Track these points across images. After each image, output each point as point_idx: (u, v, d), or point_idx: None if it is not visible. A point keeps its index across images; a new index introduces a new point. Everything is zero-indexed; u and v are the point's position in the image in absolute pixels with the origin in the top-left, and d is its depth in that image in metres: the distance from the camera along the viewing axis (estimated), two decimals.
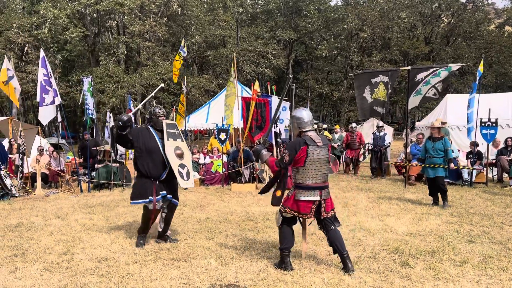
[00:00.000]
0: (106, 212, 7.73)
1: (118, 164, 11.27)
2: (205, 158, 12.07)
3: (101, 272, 4.48)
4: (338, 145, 13.92)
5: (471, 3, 36.24)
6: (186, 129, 13.84)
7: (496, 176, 11.28)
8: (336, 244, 4.36)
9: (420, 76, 10.15)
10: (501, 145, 11.44)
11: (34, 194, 10.15)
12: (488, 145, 10.73)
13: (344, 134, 14.12)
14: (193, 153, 12.85)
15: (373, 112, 10.60)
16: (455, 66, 9.92)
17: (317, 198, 4.38)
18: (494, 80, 34.46)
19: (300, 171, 4.41)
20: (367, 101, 10.34)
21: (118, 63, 28.93)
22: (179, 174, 5.24)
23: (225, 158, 11.71)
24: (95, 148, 11.43)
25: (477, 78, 10.78)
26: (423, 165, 8.22)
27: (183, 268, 4.54)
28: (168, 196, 5.40)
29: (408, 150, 11.29)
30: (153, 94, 6.71)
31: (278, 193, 4.58)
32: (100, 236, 5.96)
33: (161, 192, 5.32)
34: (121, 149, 12.40)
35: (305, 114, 4.50)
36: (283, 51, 38.17)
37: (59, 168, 11.61)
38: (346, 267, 4.31)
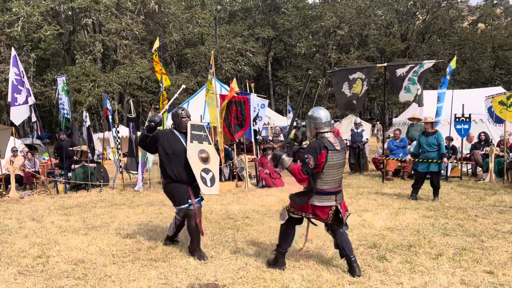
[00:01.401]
0: (83, 213, 7.60)
1: (95, 164, 11.10)
2: None
3: (77, 274, 4.40)
4: None
5: (445, 1, 36.97)
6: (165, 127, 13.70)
7: (470, 170, 11.54)
8: (344, 248, 4.22)
9: (400, 71, 10.21)
10: (475, 140, 11.71)
11: (8, 197, 9.91)
12: (462, 140, 10.96)
13: None
14: None
15: (352, 106, 10.67)
16: (428, 63, 10.10)
17: (333, 203, 4.21)
18: (468, 76, 35.22)
19: (317, 177, 4.16)
20: (346, 95, 10.42)
21: (94, 62, 28.47)
22: (201, 180, 4.90)
23: None
24: (71, 148, 11.23)
25: (447, 73, 11.02)
26: (417, 160, 8.34)
27: (162, 268, 4.51)
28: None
29: (385, 146, 11.46)
30: (176, 95, 6.49)
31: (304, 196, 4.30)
32: (77, 237, 5.86)
33: (200, 194, 5.03)
34: (98, 149, 12.23)
35: (322, 114, 4.24)
36: (262, 49, 38.20)
37: (33, 170, 11.36)
38: (353, 272, 4.15)
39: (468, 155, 11.35)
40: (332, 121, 13.93)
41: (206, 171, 5.01)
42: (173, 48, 34.45)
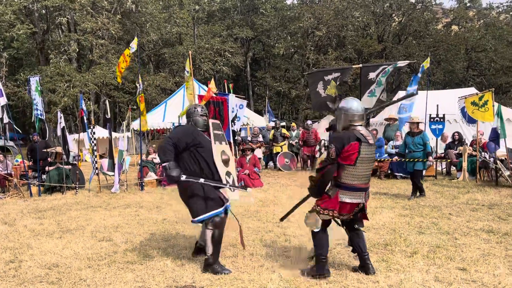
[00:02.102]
0: (58, 217, 7.44)
1: (70, 166, 10.89)
2: None
3: (51, 279, 4.30)
4: (295, 142, 14.09)
5: (420, 3, 37.65)
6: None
7: (445, 169, 11.80)
8: (359, 244, 4.14)
9: (372, 75, 10.38)
10: (449, 140, 11.98)
11: None
12: (436, 139, 11.19)
13: (301, 131, 14.32)
14: (149, 153, 12.63)
15: (326, 107, 10.77)
16: (401, 63, 10.35)
17: (362, 200, 4.03)
18: (443, 77, 35.97)
19: (348, 170, 3.92)
20: (320, 95, 10.51)
21: (69, 62, 27.92)
22: (227, 184, 4.50)
23: None
24: (45, 150, 10.99)
25: (419, 71, 11.28)
26: (403, 159, 8.47)
27: (139, 271, 4.44)
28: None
29: None
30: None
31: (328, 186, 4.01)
32: (51, 241, 5.73)
33: (230, 198, 4.61)
34: (73, 151, 12.00)
35: (355, 104, 3.98)
36: (241, 49, 38.16)
37: (6, 172, 11.05)
38: (367, 269, 4.10)
39: (443, 155, 11.60)
40: (310, 122, 13.93)
41: (228, 174, 4.61)
42: (150, 48, 34.11)
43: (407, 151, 8.51)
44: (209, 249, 4.33)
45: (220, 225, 4.39)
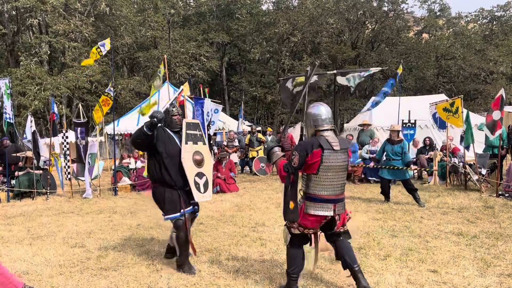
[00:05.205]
0: (28, 223, 7.23)
1: (41, 171, 10.61)
2: (136, 162, 11.73)
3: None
4: None
5: (392, 11, 38.55)
6: (115, 132, 13.37)
7: (416, 174, 12.07)
8: (345, 258, 3.75)
9: (341, 80, 10.71)
10: (420, 145, 12.28)
11: None
12: (408, 144, 11.45)
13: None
14: (123, 158, 12.44)
15: (291, 101, 11.00)
16: (374, 69, 10.73)
17: (330, 213, 3.69)
18: (414, 84, 36.82)
19: (312, 180, 3.68)
20: (289, 89, 10.70)
21: (40, 64, 27.23)
22: (194, 185, 4.47)
23: None
24: (15, 155, 10.68)
25: (397, 77, 11.70)
26: (381, 166, 8.54)
27: (112, 278, 4.37)
28: (195, 207, 4.69)
29: None
30: (176, 95, 5.95)
31: (292, 204, 3.65)
32: (21, 248, 5.57)
33: (191, 202, 4.56)
34: (44, 155, 11.71)
35: (323, 110, 3.78)
36: (216, 54, 38.09)
37: None
38: (359, 283, 3.68)
39: (414, 159, 11.87)
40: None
41: (200, 175, 4.58)
42: (125, 52, 33.63)
43: (384, 158, 8.59)
44: (177, 251, 4.52)
45: (181, 228, 4.45)
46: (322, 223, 3.76)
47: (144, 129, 4.29)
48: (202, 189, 4.57)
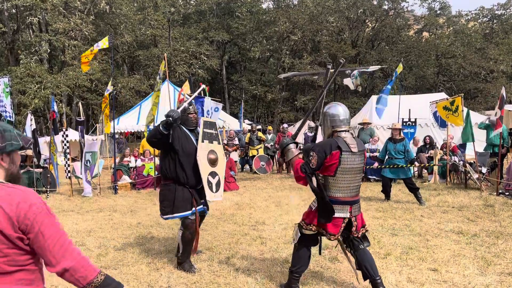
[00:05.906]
0: None
1: (41, 170, 10.61)
2: (136, 161, 11.72)
3: None
4: (271, 145, 14.15)
5: (392, 10, 38.54)
6: (115, 131, 13.37)
7: (417, 172, 12.07)
8: (367, 268, 3.65)
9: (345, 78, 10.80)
10: (420, 143, 12.27)
11: None
12: (408, 143, 11.45)
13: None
14: (124, 156, 12.44)
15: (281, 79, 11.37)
16: (373, 68, 10.76)
17: (347, 214, 3.62)
18: (414, 83, 36.82)
19: (329, 181, 3.61)
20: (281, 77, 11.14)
21: (40, 62, 27.21)
22: (207, 184, 4.46)
23: (157, 161, 11.43)
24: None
25: (394, 77, 11.67)
26: (384, 166, 8.53)
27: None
28: (205, 207, 4.73)
29: None
30: (196, 94, 5.90)
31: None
32: None
33: (201, 201, 4.59)
34: (44, 154, 11.71)
35: (341, 110, 3.72)
36: (217, 52, 38.08)
37: None
38: None
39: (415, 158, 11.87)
40: (286, 125, 14.04)
41: (213, 174, 4.58)
42: (125, 50, 33.62)
43: (387, 157, 8.60)
44: (180, 248, 4.52)
45: (190, 227, 4.45)
46: (341, 227, 3.65)
47: (160, 128, 4.26)
48: (214, 189, 4.57)
